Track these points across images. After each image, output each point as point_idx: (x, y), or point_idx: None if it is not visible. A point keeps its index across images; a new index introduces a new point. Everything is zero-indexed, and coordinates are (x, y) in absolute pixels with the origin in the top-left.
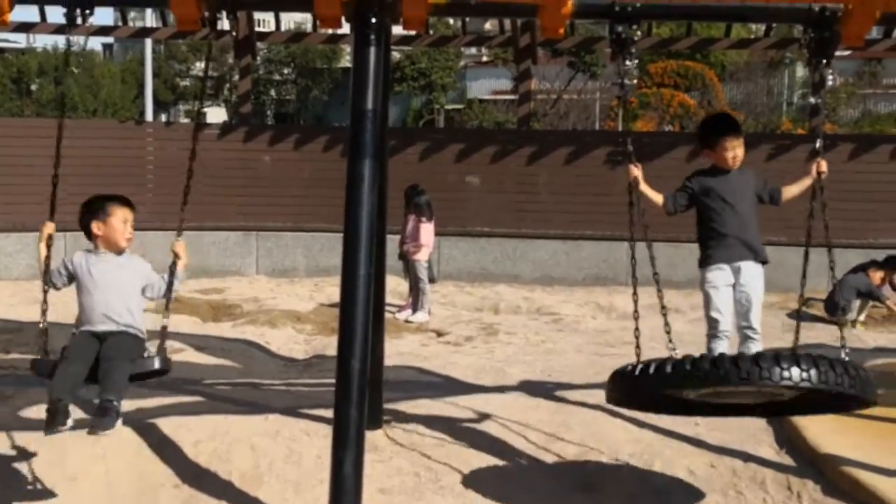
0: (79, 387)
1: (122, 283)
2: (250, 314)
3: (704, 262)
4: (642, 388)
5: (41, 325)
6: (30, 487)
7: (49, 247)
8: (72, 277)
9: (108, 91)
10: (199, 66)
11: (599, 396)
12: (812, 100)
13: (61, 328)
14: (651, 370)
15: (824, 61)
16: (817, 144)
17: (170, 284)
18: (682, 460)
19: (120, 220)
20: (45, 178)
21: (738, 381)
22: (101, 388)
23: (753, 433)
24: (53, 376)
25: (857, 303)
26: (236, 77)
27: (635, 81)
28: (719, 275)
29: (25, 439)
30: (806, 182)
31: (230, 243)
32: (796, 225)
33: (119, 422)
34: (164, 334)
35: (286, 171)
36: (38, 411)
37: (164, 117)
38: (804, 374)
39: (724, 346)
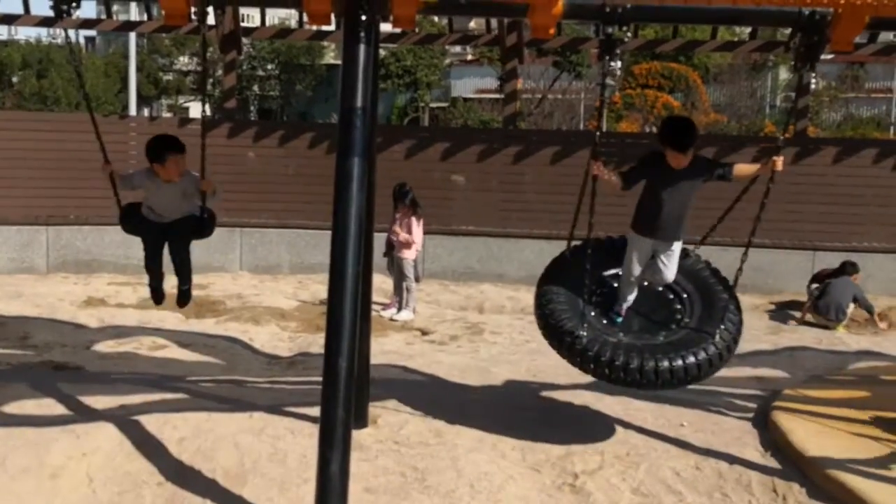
0: (163, 272)
1: (176, 202)
2: (234, 311)
3: (634, 226)
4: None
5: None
6: (10, 485)
7: (112, 172)
8: (139, 185)
9: (92, 84)
10: (183, 60)
11: (585, 397)
12: (794, 100)
13: (44, 323)
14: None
15: (810, 65)
16: (779, 142)
17: (203, 205)
18: (667, 462)
19: (173, 163)
20: (25, 170)
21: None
22: (178, 276)
23: (739, 436)
24: (147, 271)
25: (851, 307)
26: (220, 73)
27: (616, 82)
28: (642, 242)
29: (6, 435)
30: (759, 168)
31: (214, 239)
32: (779, 228)
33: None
34: (205, 196)
35: (271, 168)
36: (20, 407)
37: (147, 112)
38: None
39: (634, 292)
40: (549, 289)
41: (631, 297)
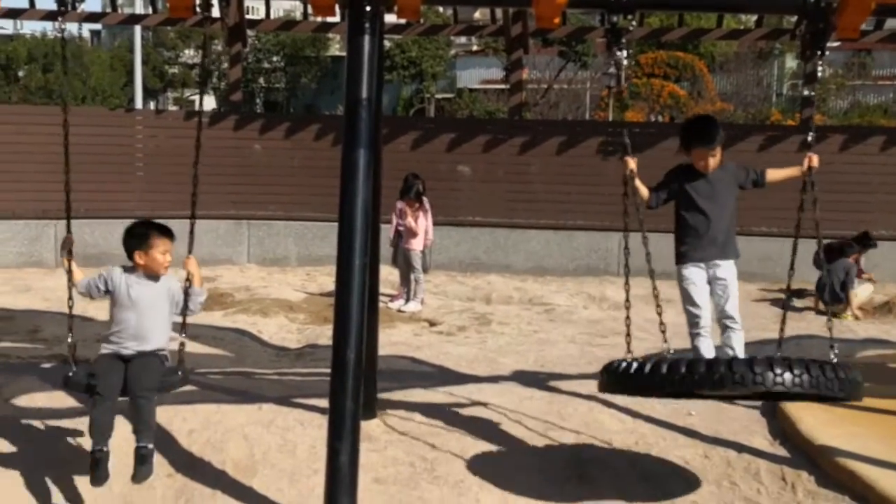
0: (112, 429)
1: (157, 308)
2: (242, 303)
3: (679, 259)
4: (635, 386)
5: (69, 341)
6: (22, 477)
7: (70, 261)
8: (108, 292)
9: (97, 78)
10: (188, 53)
11: (592, 386)
12: (805, 91)
13: (53, 316)
14: (646, 370)
15: (818, 53)
16: (809, 138)
17: (185, 303)
18: (675, 451)
19: (160, 251)
20: (33, 164)
21: (731, 385)
22: (136, 431)
23: (747, 424)
24: (91, 422)
25: (855, 288)
26: (225, 65)
27: (626, 72)
28: (695, 272)
29: (18, 429)
30: (794, 172)
31: (221, 232)
32: (786, 216)
33: (154, 461)
34: (181, 350)
35: (277, 160)
36: (30, 400)
37: (152, 105)
38: (796, 380)
39: (708, 342)
40: None
41: (708, 347)
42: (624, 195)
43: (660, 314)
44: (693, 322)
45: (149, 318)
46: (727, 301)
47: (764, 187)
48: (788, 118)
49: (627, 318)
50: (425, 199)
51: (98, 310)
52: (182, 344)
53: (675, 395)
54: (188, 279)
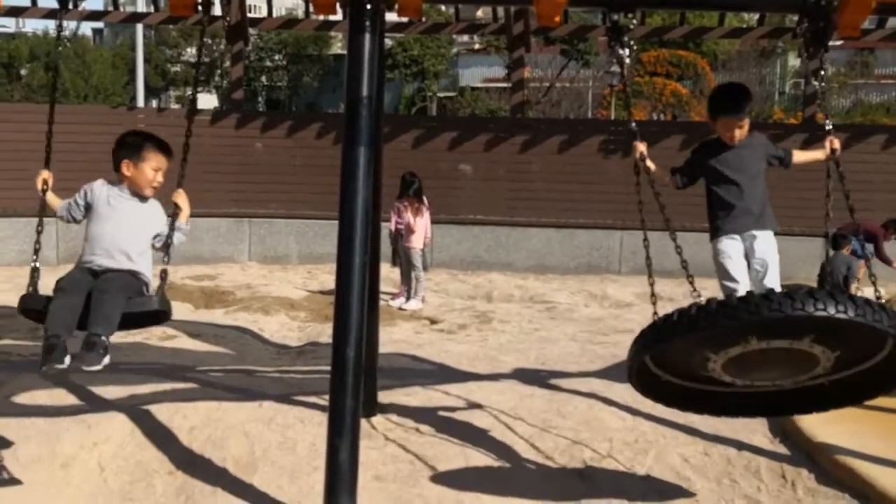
0: (75, 323)
1: (135, 225)
2: (243, 301)
3: (715, 233)
4: (670, 339)
5: (32, 265)
6: (22, 475)
7: (45, 191)
8: (88, 207)
9: (100, 76)
10: (190, 51)
11: (593, 384)
12: (816, 83)
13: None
14: (674, 317)
15: (819, 51)
16: (828, 125)
17: (170, 233)
18: (675, 449)
19: (152, 166)
20: (36, 163)
21: (769, 312)
22: (90, 321)
23: (747, 422)
24: (47, 311)
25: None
26: (227, 63)
27: (627, 69)
28: (731, 244)
29: (18, 426)
30: (818, 154)
31: (222, 230)
32: (788, 214)
33: (106, 359)
34: (164, 277)
35: (279, 158)
36: (31, 397)
37: (154, 103)
38: (840, 307)
39: None
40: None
41: None
42: (637, 184)
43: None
44: (729, 297)
45: (126, 232)
46: (766, 274)
47: (789, 168)
48: (791, 117)
49: (653, 294)
50: (424, 198)
51: None
52: (164, 271)
53: (710, 338)
54: (175, 212)
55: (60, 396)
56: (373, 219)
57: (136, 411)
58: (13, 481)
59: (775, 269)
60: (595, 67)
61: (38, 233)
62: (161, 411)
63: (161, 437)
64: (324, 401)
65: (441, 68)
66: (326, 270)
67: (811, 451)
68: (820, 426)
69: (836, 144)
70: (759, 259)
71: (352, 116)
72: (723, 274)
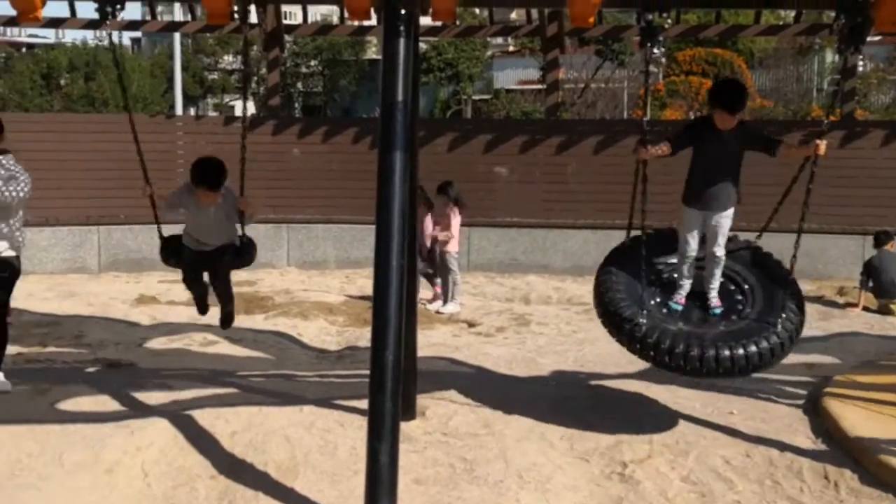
0: (207, 290)
1: (218, 223)
2: (282, 306)
3: (685, 199)
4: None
5: (158, 229)
6: (67, 480)
7: (153, 200)
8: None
9: (139, 86)
10: (227, 59)
11: (633, 386)
12: (836, 82)
13: (97, 321)
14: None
15: (856, 47)
16: (824, 125)
17: (242, 227)
18: (717, 450)
19: (202, 195)
20: (76, 172)
21: None
22: (221, 301)
23: (789, 423)
24: (188, 287)
25: None
26: (263, 70)
27: (659, 69)
28: (692, 215)
29: (62, 432)
30: (804, 150)
31: (261, 236)
32: (827, 213)
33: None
34: (244, 233)
35: (316, 164)
36: (75, 404)
37: (192, 111)
38: None
39: (689, 269)
40: (607, 278)
41: (688, 282)
42: (634, 185)
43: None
44: (682, 251)
45: (212, 233)
46: (715, 242)
47: (774, 156)
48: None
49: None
50: (460, 202)
51: (142, 315)
52: (241, 216)
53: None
54: (244, 213)
55: (104, 402)
56: (409, 222)
57: (178, 416)
58: (59, 486)
59: (724, 236)
60: (630, 67)
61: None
62: (203, 416)
63: (203, 442)
64: (363, 404)
65: (475, 71)
66: (364, 275)
67: (854, 451)
68: (863, 426)
69: (822, 150)
70: (713, 230)
71: (387, 121)
72: (682, 231)
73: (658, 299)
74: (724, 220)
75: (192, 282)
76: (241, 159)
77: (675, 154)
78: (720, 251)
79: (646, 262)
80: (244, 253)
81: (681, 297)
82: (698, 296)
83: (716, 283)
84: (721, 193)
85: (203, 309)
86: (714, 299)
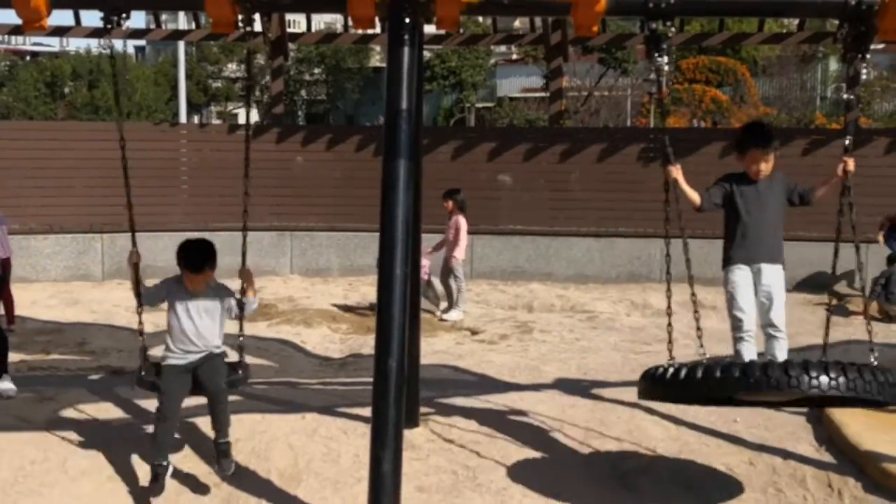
0: (173, 446)
1: (209, 312)
2: (285, 313)
3: (726, 262)
4: (673, 392)
5: (141, 344)
6: (70, 487)
7: (137, 272)
8: (163, 299)
9: (142, 93)
10: (231, 67)
11: (636, 394)
12: (845, 95)
13: (100, 329)
14: (682, 375)
15: (860, 56)
16: (846, 142)
17: (241, 309)
18: (720, 458)
19: (189, 280)
20: (79, 179)
21: (767, 388)
22: (217, 429)
23: (792, 430)
24: (154, 438)
25: None
26: (267, 78)
27: (665, 77)
28: (740, 274)
29: (67, 439)
30: (832, 180)
31: (264, 243)
32: (831, 221)
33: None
34: (241, 348)
35: (319, 171)
36: (79, 411)
37: (196, 119)
38: (832, 383)
39: (751, 348)
40: None
41: (750, 352)
42: (665, 202)
43: (697, 319)
44: (736, 326)
45: (204, 321)
46: (771, 308)
47: (810, 205)
48: (833, 122)
49: (669, 325)
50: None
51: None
52: (241, 343)
53: (711, 400)
54: (242, 288)
55: (107, 410)
56: (413, 230)
57: (181, 424)
58: (62, 493)
59: (781, 303)
60: (633, 76)
61: (139, 314)
62: (206, 424)
63: (206, 450)
64: (366, 412)
65: (479, 79)
66: (367, 282)
67: (857, 459)
68: (866, 434)
69: (851, 166)
70: (765, 291)
71: (392, 129)
72: (731, 302)
73: None
74: (777, 274)
75: (171, 415)
76: (245, 171)
77: (702, 209)
78: (780, 321)
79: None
80: (239, 370)
81: None
82: None
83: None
84: (767, 242)
85: (158, 488)
86: None
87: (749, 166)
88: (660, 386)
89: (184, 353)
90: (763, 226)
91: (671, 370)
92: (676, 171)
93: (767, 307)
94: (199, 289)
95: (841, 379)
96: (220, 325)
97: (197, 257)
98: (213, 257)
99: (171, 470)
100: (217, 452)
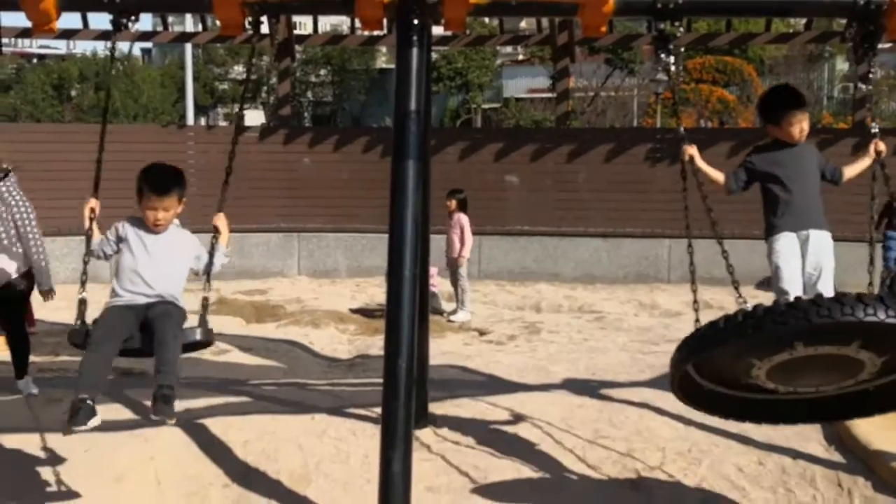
0: (104, 383)
1: (169, 256)
2: (293, 315)
3: (770, 231)
4: (715, 346)
5: (80, 296)
6: (78, 489)
7: (92, 220)
8: (119, 241)
9: (149, 96)
10: (238, 69)
11: (645, 394)
12: (862, 86)
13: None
14: (721, 323)
15: (872, 52)
16: (874, 129)
17: (210, 259)
18: (729, 458)
19: (149, 206)
20: (88, 182)
21: (817, 318)
22: (159, 373)
23: (801, 430)
24: (79, 369)
25: None
26: (274, 80)
27: (674, 77)
28: (786, 244)
29: (75, 441)
30: (865, 161)
31: (272, 245)
32: (839, 219)
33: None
34: (205, 306)
35: (326, 173)
36: None
37: (203, 121)
38: (890, 311)
39: (797, 288)
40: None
41: None
42: (683, 189)
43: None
44: (778, 277)
45: (162, 265)
46: (819, 279)
47: (839, 184)
48: (840, 121)
49: (695, 301)
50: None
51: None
52: (205, 299)
53: (756, 345)
54: (215, 236)
55: (117, 411)
56: (422, 231)
57: (190, 425)
58: (72, 495)
59: (830, 274)
60: (640, 76)
61: (85, 263)
62: (215, 425)
63: (216, 451)
64: (375, 413)
65: (485, 80)
66: (375, 283)
67: (867, 458)
68: (876, 433)
69: (882, 147)
70: (813, 261)
71: (401, 130)
72: (777, 275)
73: None
74: (826, 241)
75: (103, 338)
76: (227, 167)
77: (734, 190)
78: (829, 281)
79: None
80: (202, 337)
81: None
82: None
83: None
84: (814, 206)
85: (78, 421)
86: None
87: (787, 130)
88: (697, 346)
89: (132, 295)
90: (807, 191)
91: (709, 323)
92: (692, 149)
93: (815, 279)
94: (162, 226)
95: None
96: (181, 274)
97: (162, 178)
98: (182, 184)
99: (97, 417)
100: (156, 395)
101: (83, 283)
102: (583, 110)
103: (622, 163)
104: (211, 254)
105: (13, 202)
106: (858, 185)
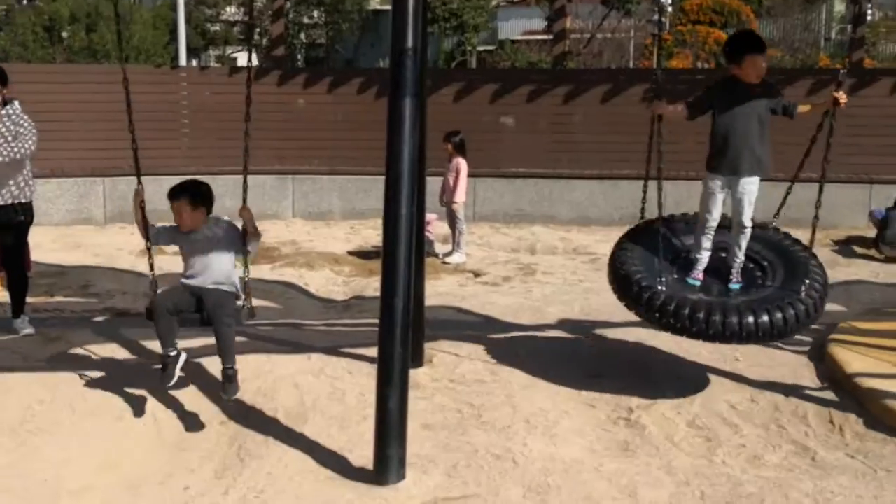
0: (175, 334)
1: (208, 248)
2: (289, 257)
3: (708, 165)
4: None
5: (151, 278)
6: (79, 426)
7: (142, 209)
8: (174, 238)
9: (140, 38)
10: (230, 10)
11: (639, 333)
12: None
13: (104, 272)
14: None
15: None
16: (840, 75)
17: (244, 249)
18: (722, 396)
19: (176, 211)
20: (80, 123)
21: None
22: (222, 356)
23: (794, 369)
24: (157, 332)
25: None
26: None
27: (668, 19)
28: (717, 185)
29: (73, 380)
30: (821, 104)
31: (267, 187)
32: (835, 161)
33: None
34: (247, 289)
35: (321, 114)
36: (85, 352)
37: (195, 63)
38: None
39: (709, 240)
40: (623, 253)
41: (706, 255)
42: (650, 137)
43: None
44: (703, 222)
45: (202, 265)
46: (743, 212)
47: (793, 118)
48: (837, 62)
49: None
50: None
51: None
52: (245, 282)
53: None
54: (244, 227)
55: (113, 350)
56: (419, 171)
57: (188, 364)
58: (73, 433)
59: (751, 207)
60: (636, 17)
61: (149, 249)
62: (212, 364)
63: (213, 390)
64: (371, 353)
65: (480, 21)
66: (369, 226)
67: (859, 396)
68: (868, 372)
69: (843, 98)
70: (739, 199)
71: (397, 68)
72: (703, 205)
73: (676, 275)
74: (751, 186)
75: (165, 307)
76: (245, 115)
77: (691, 118)
78: (747, 221)
79: (662, 241)
80: (249, 319)
81: (698, 273)
82: (716, 272)
83: (740, 257)
84: (749, 156)
85: (169, 374)
86: (736, 274)
87: (747, 71)
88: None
89: (187, 280)
90: (748, 135)
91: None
92: (660, 107)
93: (740, 212)
94: (194, 226)
95: None
96: (224, 260)
97: (174, 188)
98: (189, 191)
99: (182, 360)
100: (223, 377)
101: (151, 267)
102: (579, 52)
103: (619, 104)
104: (244, 245)
105: (23, 124)
106: (859, 125)
